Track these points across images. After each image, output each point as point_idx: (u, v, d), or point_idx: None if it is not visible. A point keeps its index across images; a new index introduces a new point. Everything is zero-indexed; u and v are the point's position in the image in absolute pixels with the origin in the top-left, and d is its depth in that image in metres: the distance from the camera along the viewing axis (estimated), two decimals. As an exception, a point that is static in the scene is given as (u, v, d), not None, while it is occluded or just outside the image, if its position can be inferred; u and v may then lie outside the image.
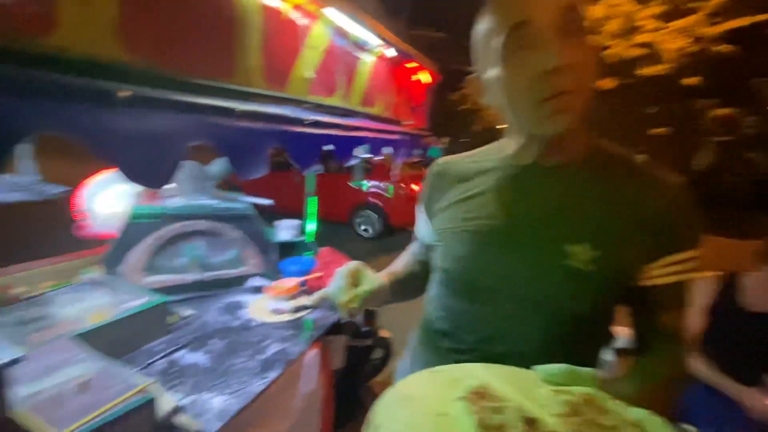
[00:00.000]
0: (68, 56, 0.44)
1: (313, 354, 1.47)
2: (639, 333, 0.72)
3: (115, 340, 1.23)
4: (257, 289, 1.84)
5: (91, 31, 0.46)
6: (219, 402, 1.11)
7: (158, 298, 1.40)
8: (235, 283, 1.86)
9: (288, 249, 2.14)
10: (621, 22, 10.27)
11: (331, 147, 0.99)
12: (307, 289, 1.84)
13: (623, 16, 10.24)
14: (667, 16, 10.41)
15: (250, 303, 1.73)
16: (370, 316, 2.01)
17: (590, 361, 0.71)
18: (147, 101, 0.51)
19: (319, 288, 2.05)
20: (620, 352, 1.99)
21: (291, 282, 1.78)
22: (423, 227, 0.90)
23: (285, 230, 2.23)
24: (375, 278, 0.80)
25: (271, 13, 0.79)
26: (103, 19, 0.47)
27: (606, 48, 10.22)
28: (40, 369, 0.89)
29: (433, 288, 0.85)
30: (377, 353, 2.33)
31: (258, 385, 1.20)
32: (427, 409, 0.47)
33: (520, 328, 0.68)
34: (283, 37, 0.83)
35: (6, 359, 0.72)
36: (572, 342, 0.67)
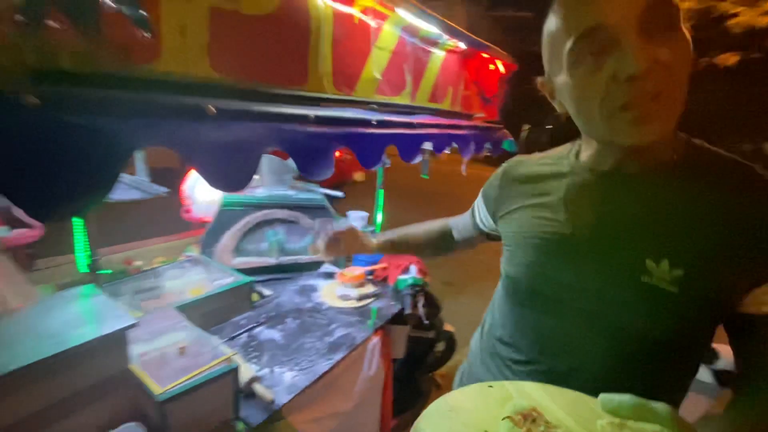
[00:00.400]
0: (169, 78, 0.52)
1: (375, 341, 1.54)
2: (741, 364, 0.61)
3: (207, 313, 1.41)
4: (329, 275, 1.96)
5: (187, 56, 0.54)
6: (289, 377, 1.23)
7: (244, 279, 1.57)
8: (309, 268, 2.00)
9: (357, 238, 2.24)
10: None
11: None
12: (372, 278, 1.92)
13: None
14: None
15: (322, 287, 1.85)
16: (433, 309, 2.03)
17: (668, 392, 0.63)
18: (230, 114, 0.58)
19: (385, 278, 2.09)
20: (720, 375, 1.75)
21: (358, 270, 1.86)
22: (479, 214, 0.92)
23: (355, 220, 2.32)
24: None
25: (342, 19, 0.83)
26: (197, 44, 0.55)
27: (731, 17, 8.67)
28: (149, 332, 1.07)
29: (497, 294, 0.83)
30: (440, 346, 2.35)
31: (323, 365, 1.30)
32: (471, 423, 0.47)
33: (586, 346, 0.63)
34: (353, 42, 0.86)
35: (127, 323, 0.88)
36: (647, 368, 0.60)
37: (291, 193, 2.07)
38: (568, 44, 0.54)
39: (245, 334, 1.43)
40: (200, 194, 2.07)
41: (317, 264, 2.02)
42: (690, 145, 0.62)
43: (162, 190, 1.55)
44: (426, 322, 1.78)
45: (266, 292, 1.76)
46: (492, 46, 1.39)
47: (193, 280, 1.60)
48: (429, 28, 1.03)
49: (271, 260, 1.92)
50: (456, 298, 3.85)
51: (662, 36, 0.50)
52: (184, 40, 0.55)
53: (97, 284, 1.11)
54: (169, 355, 1.00)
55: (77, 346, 0.79)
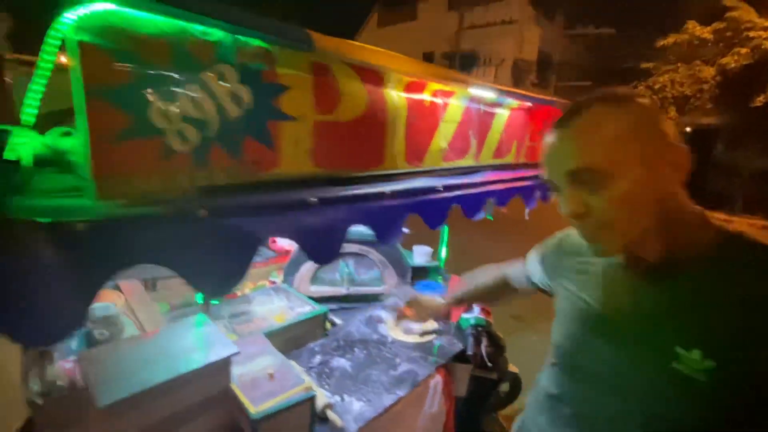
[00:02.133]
0: (284, 179, 0.69)
1: (438, 379, 1.60)
2: None
3: (288, 339, 1.60)
4: (393, 307, 2.07)
5: (297, 160, 0.71)
6: (357, 406, 1.35)
7: (321, 308, 1.74)
8: (376, 298, 2.14)
9: (421, 273, 2.33)
10: None
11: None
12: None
13: None
14: None
15: (387, 319, 1.97)
16: (497, 349, 2.02)
17: None
18: (325, 201, 0.73)
19: (448, 315, 2.14)
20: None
21: (423, 306, 1.95)
22: (534, 272, 0.99)
23: (420, 255, 2.43)
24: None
25: (414, 105, 0.96)
26: (304, 150, 0.72)
27: None
28: (244, 356, 1.26)
29: (549, 355, 0.88)
30: (504, 387, 2.30)
31: (389, 398, 1.39)
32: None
33: (621, 423, 0.66)
34: (423, 121, 0.99)
35: (233, 351, 1.08)
36: None
37: (361, 227, 2.25)
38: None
39: (319, 361, 1.59)
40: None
41: (382, 296, 2.15)
42: (724, 234, 0.63)
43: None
44: (489, 364, 1.79)
45: (337, 320, 1.92)
46: (557, 99, 1.43)
47: (277, 307, 1.82)
48: (494, 96, 1.13)
49: (342, 290, 2.10)
50: (524, 334, 3.71)
51: (593, 187, 0.60)
52: (296, 149, 0.72)
53: (206, 309, 1.34)
54: (260, 378, 1.18)
55: (201, 368, 1.00)
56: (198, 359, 1.02)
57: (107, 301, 1.52)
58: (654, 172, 0.59)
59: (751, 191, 10.21)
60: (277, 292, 1.95)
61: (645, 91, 11.76)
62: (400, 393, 1.44)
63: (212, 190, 0.62)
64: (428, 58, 19.06)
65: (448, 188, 0.99)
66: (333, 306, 2.04)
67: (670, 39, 11.11)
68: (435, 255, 2.48)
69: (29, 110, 0.58)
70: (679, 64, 11.00)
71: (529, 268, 1.02)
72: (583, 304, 0.74)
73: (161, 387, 0.93)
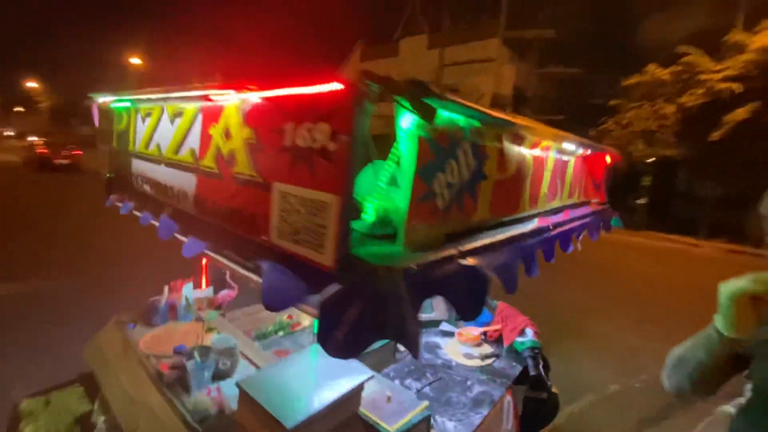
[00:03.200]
0: (480, 225, 0.87)
1: (508, 398, 1.73)
2: None
3: (369, 365, 1.70)
4: (446, 333, 2.20)
5: (484, 209, 0.89)
6: (451, 426, 1.46)
7: (389, 336, 1.86)
8: (428, 325, 2.26)
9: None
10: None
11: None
12: (486, 338, 2.13)
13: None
14: None
15: (444, 345, 2.09)
16: (547, 371, 2.17)
17: None
18: (504, 242, 0.92)
19: (497, 338, 2.28)
20: None
21: (476, 331, 2.09)
22: (741, 315, 0.79)
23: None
24: None
25: (535, 158, 1.18)
26: (487, 202, 0.91)
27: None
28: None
29: (746, 409, 0.82)
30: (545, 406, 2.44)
31: (476, 418, 1.51)
32: None
33: None
34: (538, 172, 1.21)
35: (367, 375, 1.19)
36: None
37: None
38: None
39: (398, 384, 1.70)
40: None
41: (434, 323, 2.28)
42: None
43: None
44: (549, 382, 1.94)
45: (401, 347, 2.03)
46: (606, 147, 1.69)
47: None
48: (574, 147, 1.36)
49: (398, 318, 2.21)
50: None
51: None
52: (483, 201, 0.91)
53: (313, 339, 1.44)
54: (379, 400, 1.29)
55: (347, 392, 1.10)
56: (345, 382, 1.13)
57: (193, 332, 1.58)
58: None
59: (715, 217, 11.07)
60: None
61: (614, 126, 12.76)
62: (483, 412, 1.56)
63: (452, 235, 0.79)
64: (410, 91, 19.86)
65: (556, 225, 1.19)
66: (390, 333, 2.15)
67: (634, 79, 12.21)
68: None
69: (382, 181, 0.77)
70: (643, 102, 12.04)
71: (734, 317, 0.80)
72: None
73: (326, 409, 1.03)
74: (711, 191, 11.35)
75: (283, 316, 2.10)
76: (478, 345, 2.06)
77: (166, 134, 1.13)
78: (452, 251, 0.75)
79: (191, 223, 0.98)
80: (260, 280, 0.71)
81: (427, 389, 1.68)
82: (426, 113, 0.63)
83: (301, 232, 0.66)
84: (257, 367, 1.48)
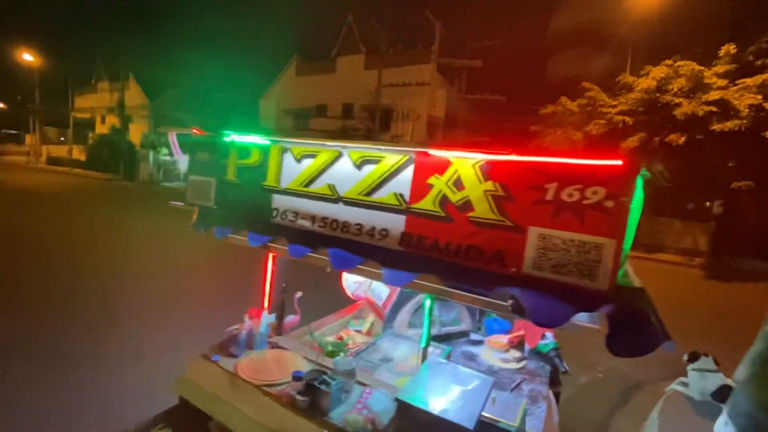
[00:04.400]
0: None
1: (551, 393, 2.01)
2: None
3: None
4: (475, 342, 2.43)
5: None
6: (526, 420, 1.68)
7: (447, 347, 2.03)
8: (457, 337, 2.47)
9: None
10: (686, 81, 10.71)
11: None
12: (510, 343, 2.41)
13: (688, 75, 10.69)
14: (735, 74, 10.74)
15: (479, 353, 2.32)
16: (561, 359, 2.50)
17: None
18: None
19: (519, 342, 2.57)
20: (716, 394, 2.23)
21: (504, 339, 2.36)
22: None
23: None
24: None
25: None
26: None
27: (675, 106, 10.58)
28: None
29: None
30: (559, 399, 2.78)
31: (539, 412, 1.75)
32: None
33: None
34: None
35: (492, 380, 1.36)
36: None
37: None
38: None
39: (467, 392, 1.87)
40: (349, 279, 2.54)
41: (462, 333, 2.50)
42: None
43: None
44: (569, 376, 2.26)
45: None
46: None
47: (403, 351, 2.05)
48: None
49: (434, 331, 2.39)
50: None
51: None
52: None
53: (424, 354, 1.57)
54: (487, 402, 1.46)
55: (488, 392, 1.27)
56: (482, 388, 1.29)
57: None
58: None
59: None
60: (389, 339, 2.17)
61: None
62: (542, 407, 1.81)
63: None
64: (348, 108, 20.31)
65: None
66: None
67: (549, 109, 14.02)
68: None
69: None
70: (557, 129, 13.85)
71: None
72: None
73: (484, 407, 1.19)
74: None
75: (333, 337, 2.16)
76: (507, 350, 2.33)
77: (344, 176, 1.27)
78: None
79: (391, 257, 1.13)
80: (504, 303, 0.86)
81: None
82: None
83: (568, 266, 0.85)
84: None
